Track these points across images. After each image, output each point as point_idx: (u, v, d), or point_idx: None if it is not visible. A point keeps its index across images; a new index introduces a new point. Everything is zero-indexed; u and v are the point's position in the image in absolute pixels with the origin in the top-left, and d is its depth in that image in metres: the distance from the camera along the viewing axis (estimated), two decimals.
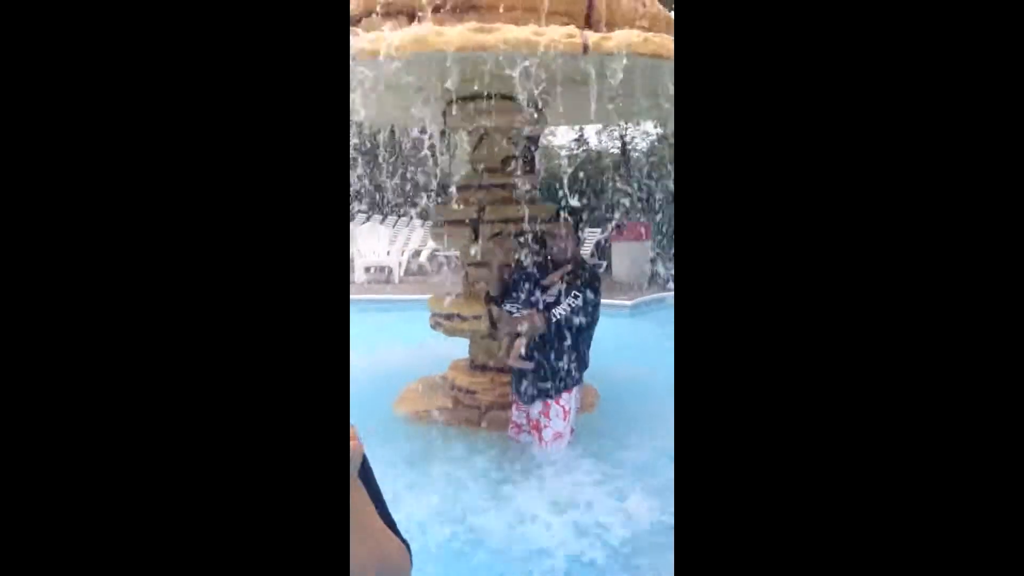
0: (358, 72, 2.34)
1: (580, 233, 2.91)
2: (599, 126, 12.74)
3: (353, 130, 3.51)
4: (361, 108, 2.35)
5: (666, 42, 2.40)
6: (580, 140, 12.70)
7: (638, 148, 12.12)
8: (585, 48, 2.28)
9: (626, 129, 11.97)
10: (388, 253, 9.40)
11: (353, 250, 8.84)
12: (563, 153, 12.52)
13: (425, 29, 2.26)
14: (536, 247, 3.03)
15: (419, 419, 3.41)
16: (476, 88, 2.76)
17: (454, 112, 3.14)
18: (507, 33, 2.21)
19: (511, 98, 3.00)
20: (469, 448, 3.06)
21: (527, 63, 2.33)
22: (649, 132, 11.95)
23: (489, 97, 2.90)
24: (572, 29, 2.30)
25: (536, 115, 3.21)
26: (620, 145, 12.35)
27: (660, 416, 3.36)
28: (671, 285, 8.26)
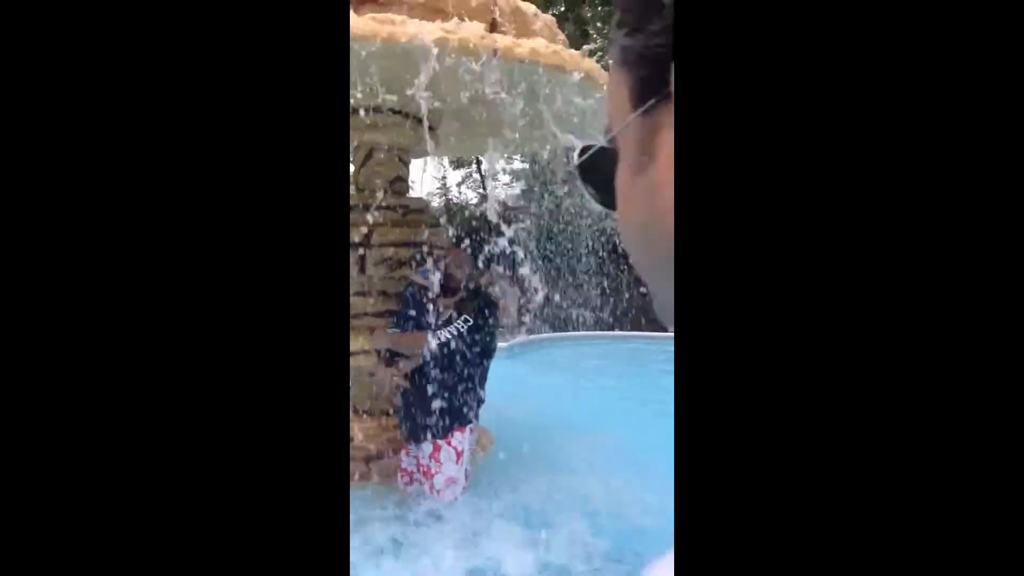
0: None
1: (478, 260, 2.70)
2: (460, 175, 12.84)
3: None
4: None
5: (573, 56, 2.33)
6: (443, 188, 12.68)
7: (499, 198, 12.32)
8: (495, 52, 2.13)
9: (486, 176, 12.18)
10: None
11: None
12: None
13: None
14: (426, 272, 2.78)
15: None
16: (364, 99, 2.51)
17: None
18: (415, 27, 2.00)
19: (405, 114, 2.79)
20: (356, 506, 2.65)
21: (431, 68, 2.14)
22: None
23: (381, 111, 2.65)
24: (482, 30, 2.15)
25: (429, 135, 3.01)
26: (481, 185, 12.49)
27: (556, 456, 3.19)
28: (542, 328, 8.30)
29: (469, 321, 2.57)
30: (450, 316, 2.61)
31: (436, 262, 2.75)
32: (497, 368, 2.88)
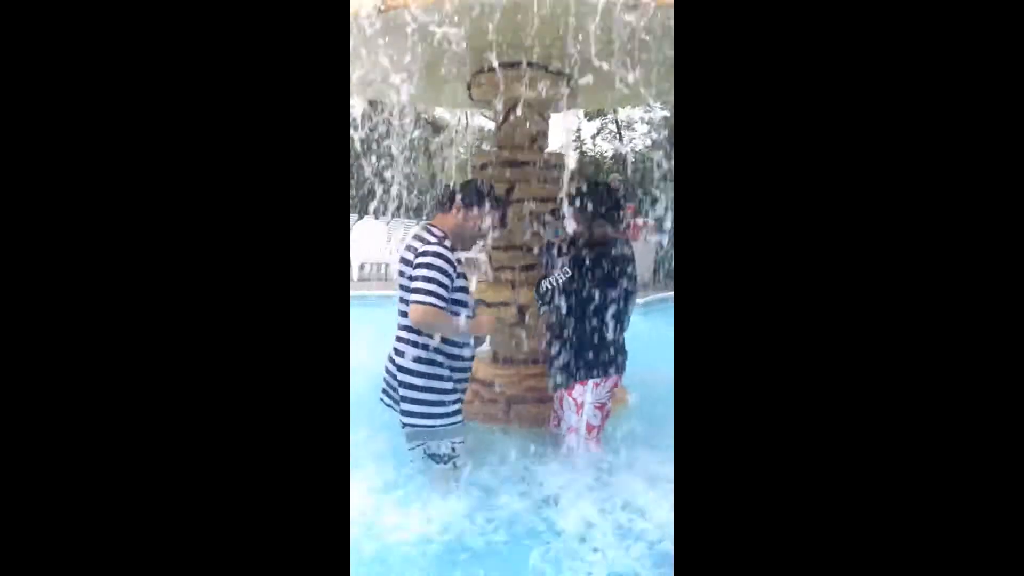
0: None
1: (600, 214, 2.61)
2: (595, 127, 12.61)
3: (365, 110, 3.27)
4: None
5: None
6: (577, 140, 12.53)
7: (636, 149, 11.99)
8: None
9: (622, 126, 11.84)
10: (390, 253, 9.00)
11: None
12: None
13: None
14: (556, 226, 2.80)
15: None
16: (510, 56, 2.56)
17: (482, 82, 2.91)
18: None
19: (546, 68, 2.80)
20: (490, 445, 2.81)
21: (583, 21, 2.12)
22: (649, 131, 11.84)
23: (529, 65, 2.68)
24: None
25: (570, 89, 3.00)
26: (617, 136, 12.19)
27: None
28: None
29: (568, 273, 2.50)
30: (559, 266, 2.58)
31: (562, 219, 2.73)
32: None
